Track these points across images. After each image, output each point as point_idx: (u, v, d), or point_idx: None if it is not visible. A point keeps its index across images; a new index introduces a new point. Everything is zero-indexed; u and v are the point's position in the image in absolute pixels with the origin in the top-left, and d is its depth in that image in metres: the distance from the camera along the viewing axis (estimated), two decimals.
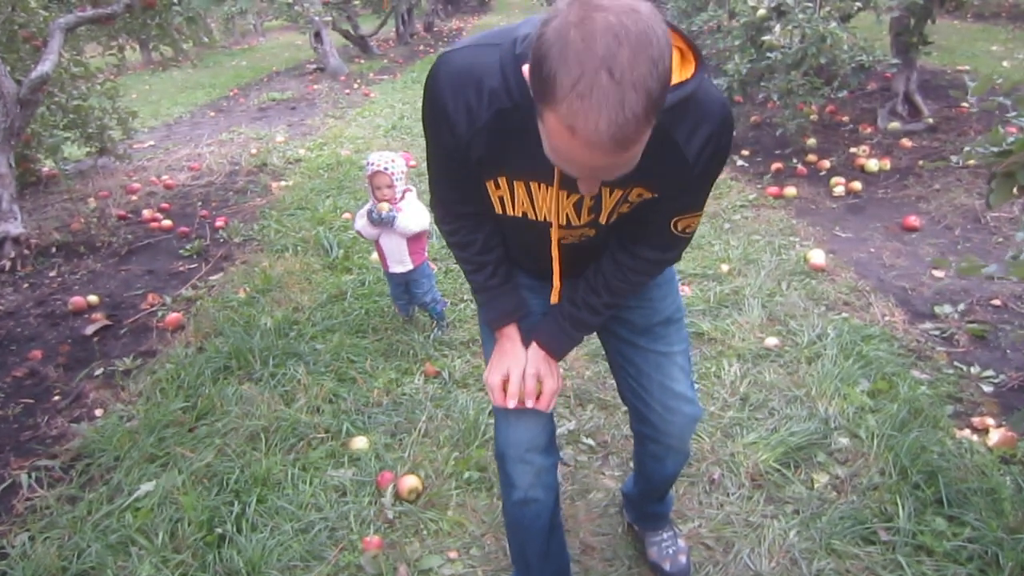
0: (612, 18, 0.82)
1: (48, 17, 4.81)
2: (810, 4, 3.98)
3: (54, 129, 5.69)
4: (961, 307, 3.05)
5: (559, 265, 1.36)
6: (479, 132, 1.17)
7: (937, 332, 2.90)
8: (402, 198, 2.90)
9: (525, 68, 1.01)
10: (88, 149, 6.12)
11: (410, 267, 2.99)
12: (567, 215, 1.26)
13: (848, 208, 4.30)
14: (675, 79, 1.03)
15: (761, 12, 4.05)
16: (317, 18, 10.25)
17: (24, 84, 4.21)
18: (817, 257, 3.53)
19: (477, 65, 1.14)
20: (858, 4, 4.12)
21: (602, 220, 1.27)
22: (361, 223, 2.97)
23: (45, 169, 6.14)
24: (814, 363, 2.68)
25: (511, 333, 1.46)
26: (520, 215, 1.29)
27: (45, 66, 4.21)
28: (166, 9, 4.74)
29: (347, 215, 4.59)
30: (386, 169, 2.81)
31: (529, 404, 1.41)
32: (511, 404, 1.42)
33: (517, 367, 1.43)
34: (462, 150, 1.21)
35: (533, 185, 1.23)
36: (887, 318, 3.01)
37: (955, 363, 2.67)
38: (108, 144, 6.10)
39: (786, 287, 3.33)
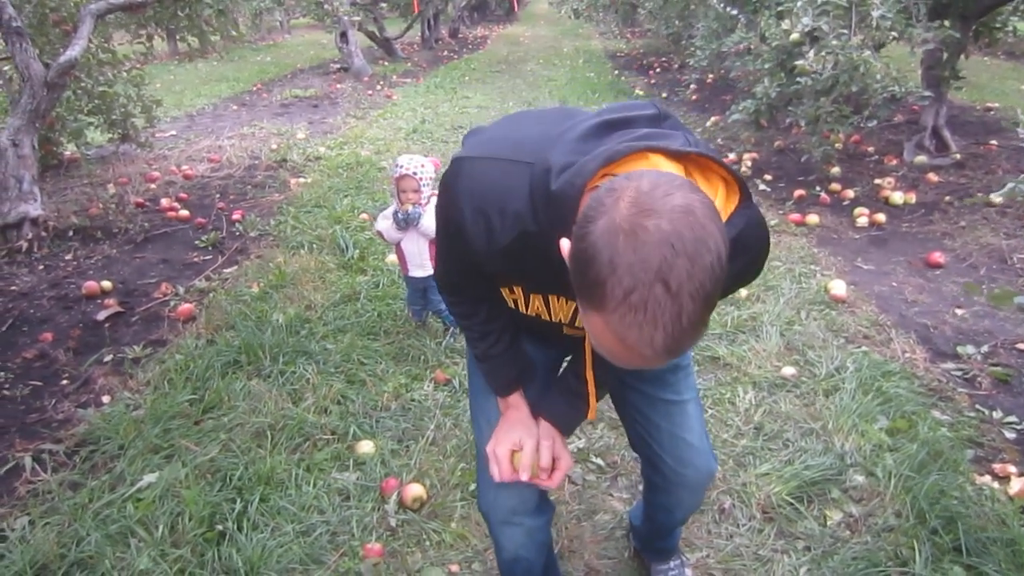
0: (666, 226, 0.75)
1: (79, 2, 4.82)
2: (844, 31, 3.94)
3: (78, 114, 5.72)
4: (984, 349, 2.99)
5: (592, 383, 1.27)
6: (497, 252, 1.08)
7: (959, 373, 2.84)
8: (427, 203, 2.87)
9: (564, 243, 0.90)
10: (111, 135, 6.14)
11: (430, 271, 2.96)
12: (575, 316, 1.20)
13: (871, 240, 4.25)
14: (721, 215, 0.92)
15: (794, 36, 4.02)
16: (345, 18, 10.29)
17: (52, 68, 4.22)
18: (838, 288, 3.48)
19: (503, 186, 1.04)
20: (893, 34, 4.07)
21: None
22: (384, 224, 2.94)
23: (67, 153, 6.16)
24: (831, 396, 2.63)
25: (517, 403, 1.35)
26: (534, 315, 1.24)
27: (74, 51, 4.22)
28: (196, 1, 4.74)
29: (364, 215, 4.58)
30: (414, 173, 2.79)
31: (541, 479, 1.29)
32: (524, 477, 1.29)
33: (531, 439, 1.30)
34: (477, 263, 1.14)
35: (551, 297, 1.19)
36: (908, 355, 2.96)
37: (977, 406, 2.62)
38: (131, 131, 6.11)
39: (805, 316, 3.28)
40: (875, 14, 3.81)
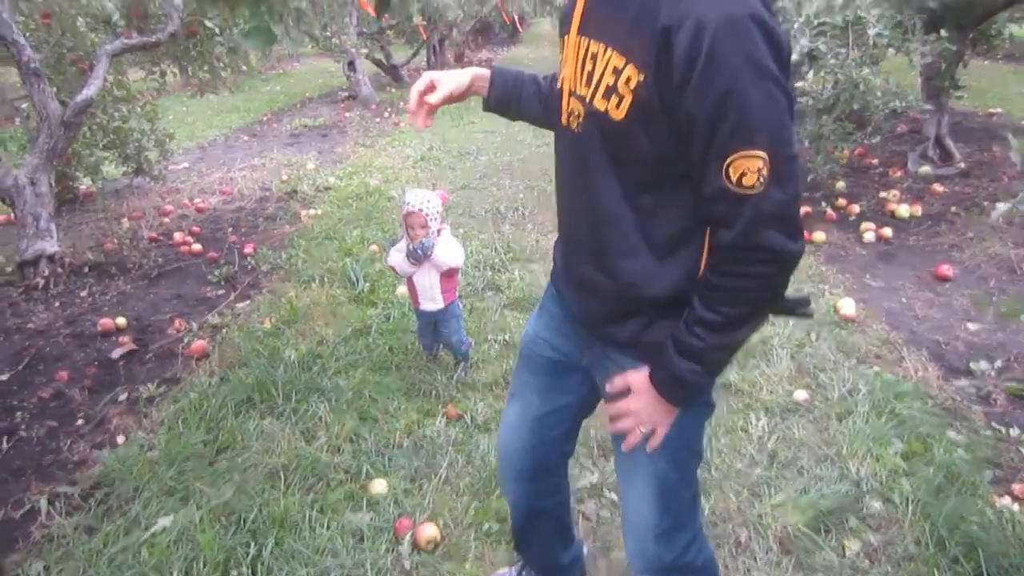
0: None
1: (95, 41, 4.92)
2: (842, 50, 3.96)
3: (94, 148, 5.81)
4: (998, 364, 2.98)
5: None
6: None
7: (973, 390, 2.83)
8: (437, 235, 2.89)
9: None
10: (125, 169, 6.23)
11: (441, 305, 2.97)
12: (576, 73, 1.22)
13: (878, 255, 4.24)
14: None
15: (794, 57, 4.04)
16: (352, 49, 10.41)
17: (69, 107, 4.30)
18: (847, 307, 3.48)
19: None
20: (891, 50, 4.09)
21: (589, 96, 1.16)
22: (397, 258, 2.95)
23: (83, 187, 6.25)
24: (845, 420, 2.62)
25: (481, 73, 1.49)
26: (559, 85, 1.29)
27: (90, 90, 4.30)
28: (208, 38, 4.83)
29: (374, 247, 4.62)
30: (421, 210, 2.81)
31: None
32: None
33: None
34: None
35: (565, 40, 1.27)
36: (920, 373, 2.95)
37: (993, 424, 2.60)
38: (144, 165, 6.21)
39: (815, 337, 3.28)
40: (871, 32, 3.84)
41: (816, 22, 4.00)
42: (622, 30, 1.10)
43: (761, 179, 1.03)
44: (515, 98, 1.52)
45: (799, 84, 4.03)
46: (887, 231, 4.43)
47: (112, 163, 6.10)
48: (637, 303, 1.25)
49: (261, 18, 1.88)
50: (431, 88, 1.43)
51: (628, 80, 1.09)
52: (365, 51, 11.33)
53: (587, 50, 1.18)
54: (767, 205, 1.05)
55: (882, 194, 5.02)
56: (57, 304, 4.11)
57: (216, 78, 5.57)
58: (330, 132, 9.21)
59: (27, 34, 4.82)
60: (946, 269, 3.86)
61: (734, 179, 1.04)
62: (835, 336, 3.28)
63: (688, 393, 1.24)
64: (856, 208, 4.85)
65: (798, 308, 1.30)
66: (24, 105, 5.23)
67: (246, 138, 9.17)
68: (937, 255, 4.13)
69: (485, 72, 1.48)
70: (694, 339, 1.16)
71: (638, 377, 1.26)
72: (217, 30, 4.72)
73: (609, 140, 1.16)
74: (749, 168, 1.03)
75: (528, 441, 1.57)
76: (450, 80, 1.43)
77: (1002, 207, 1.70)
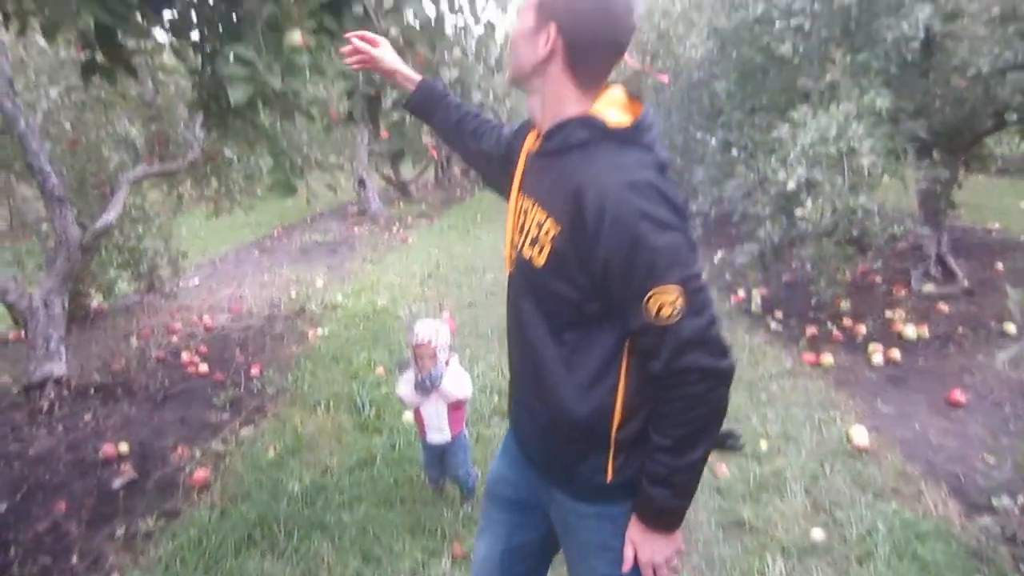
0: None
1: (117, 167, 5.11)
2: (838, 178, 4.08)
3: (109, 267, 5.93)
4: (1021, 499, 2.90)
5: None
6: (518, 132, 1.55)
7: (998, 529, 2.74)
8: (446, 366, 2.90)
9: None
10: (137, 286, 6.33)
11: (448, 437, 2.94)
12: (512, 227, 1.41)
13: (888, 379, 4.22)
14: (613, 120, 1.28)
15: (791, 186, 4.16)
16: (363, 172, 10.78)
17: (88, 231, 4.42)
18: (860, 436, 3.43)
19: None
20: (885, 177, 4.22)
21: (519, 244, 1.37)
22: (405, 389, 2.95)
23: (94, 304, 6.33)
24: (865, 563, 2.53)
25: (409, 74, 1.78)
26: (507, 234, 1.46)
27: (109, 216, 4.43)
28: (226, 165, 5.02)
29: (380, 370, 4.62)
30: (430, 341, 2.83)
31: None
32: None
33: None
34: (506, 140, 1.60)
35: (512, 193, 1.45)
36: (941, 510, 2.87)
37: (1021, 566, 2.51)
38: (156, 282, 6.32)
39: (829, 470, 3.21)
40: (865, 162, 3.95)
41: (811, 152, 4.14)
42: (545, 190, 1.32)
43: (677, 310, 1.20)
44: (435, 110, 1.76)
45: (798, 211, 4.12)
46: (896, 353, 4.42)
47: (125, 281, 6.21)
48: (567, 431, 1.38)
49: (282, 170, 1.96)
50: (373, 44, 1.75)
51: (548, 232, 1.29)
52: (375, 174, 11.73)
53: (522, 206, 1.39)
54: (686, 332, 1.22)
55: (888, 313, 5.05)
56: (60, 428, 4.08)
57: (232, 200, 5.75)
58: (339, 248, 9.40)
59: (54, 159, 5.03)
60: (958, 395, 3.82)
61: (654, 312, 1.21)
62: (849, 468, 3.22)
63: (674, 518, 1.35)
64: (862, 328, 4.86)
65: (727, 441, 1.42)
66: (44, 226, 5.38)
67: (257, 253, 9.36)
68: (948, 379, 4.11)
69: (413, 75, 1.76)
70: (658, 466, 1.30)
71: (630, 531, 1.38)
72: (235, 158, 4.90)
73: (534, 284, 1.35)
74: (665, 301, 1.20)
75: None
76: (386, 53, 1.76)
77: (1006, 354, 1.71)
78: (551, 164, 1.32)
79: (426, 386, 2.85)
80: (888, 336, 4.75)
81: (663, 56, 7.10)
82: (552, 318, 1.34)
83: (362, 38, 1.74)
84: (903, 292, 5.57)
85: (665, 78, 6.64)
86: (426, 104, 1.76)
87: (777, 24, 4.97)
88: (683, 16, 6.62)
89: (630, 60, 7.74)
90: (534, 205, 1.33)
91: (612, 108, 1.33)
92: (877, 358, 4.41)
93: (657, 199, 1.21)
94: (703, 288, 1.24)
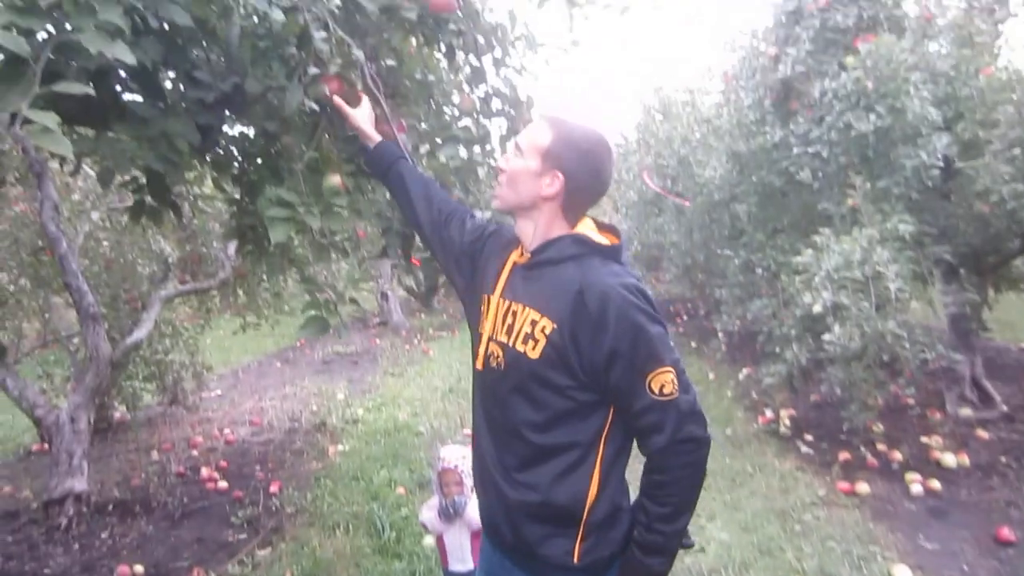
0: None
1: (151, 289, 5.25)
2: (864, 303, 4.08)
3: (135, 380, 5.99)
4: None
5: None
6: (490, 237, 1.75)
7: None
8: (471, 493, 2.84)
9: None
10: (160, 398, 6.37)
11: (471, 567, 2.84)
12: (496, 324, 1.58)
13: (929, 511, 4.05)
14: (597, 239, 1.55)
15: (817, 309, 4.16)
16: (387, 287, 10.98)
17: (118, 348, 4.50)
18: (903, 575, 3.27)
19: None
20: (913, 303, 4.21)
21: (511, 341, 1.52)
22: (429, 516, 2.89)
23: (117, 415, 6.35)
24: None
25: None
26: (480, 331, 1.63)
27: (140, 333, 4.53)
28: (255, 284, 5.14)
29: (401, 490, 4.54)
30: (456, 467, 2.79)
31: None
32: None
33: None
34: (469, 242, 1.77)
35: (487, 297, 1.64)
36: None
37: None
38: (180, 395, 6.35)
39: None
40: (892, 287, 3.96)
41: (836, 276, 4.16)
42: (539, 295, 1.51)
43: (675, 387, 1.43)
44: (390, 168, 1.89)
45: (826, 336, 4.10)
46: (935, 483, 4.25)
47: (149, 393, 6.25)
48: (539, 514, 1.52)
49: (316, 307, 2.01)
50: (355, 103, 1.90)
51: (543, 328, 1.47)
52: (397, 288, 11.95)
53: (508, 309, 1.56)
54: (684, 406, 1.45)
55: (924, 439, 4.91)
56: (76, 547, 4.00)
57: (260, 316, 5.85)
58: (361, 360, 9.44)
59: (91, 276, 5.19)
60: (1007, 532, 3.64)
61: (657, 391, 1.42)
62: None
63: None
64: (898, 455, 4.70)
65: (682, 540, 1.55)
66: (75, 339, 5.48)
67: (279, 364, 9.41)
68: (994, 514, 3.93)
69: (375, 136, 1.91)
70: (656, 536, 1.48)
71: None
72: (264, 276, 5.03)
73: (526, 375, 1.50)
74: (666, 380, 1.42)
75: None
76: (362, 111, 1.92)
77: None
78: (541, 273, 1.55)
79: (450, 513, 2.79)
80: (926, 464, 4.59)
81: (683, 179, 7.30)
82: (540, 407, 1.50)
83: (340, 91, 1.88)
84: (938, 416, 5.42)
85: (686, 202, 6.80)
86: (382, 161, 1.90)
87: (795, 150, 5.12)
88: (702, 142, 6.85)
89: (650, 183, 7.98)
90: (524, 308, 1.52)
91: (590, 231, 1.59)
92: (916, 488, 4.25)
93: (645, 298, 1.46)
94: (685, 370, 1.48)
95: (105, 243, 5.34)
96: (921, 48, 4.65)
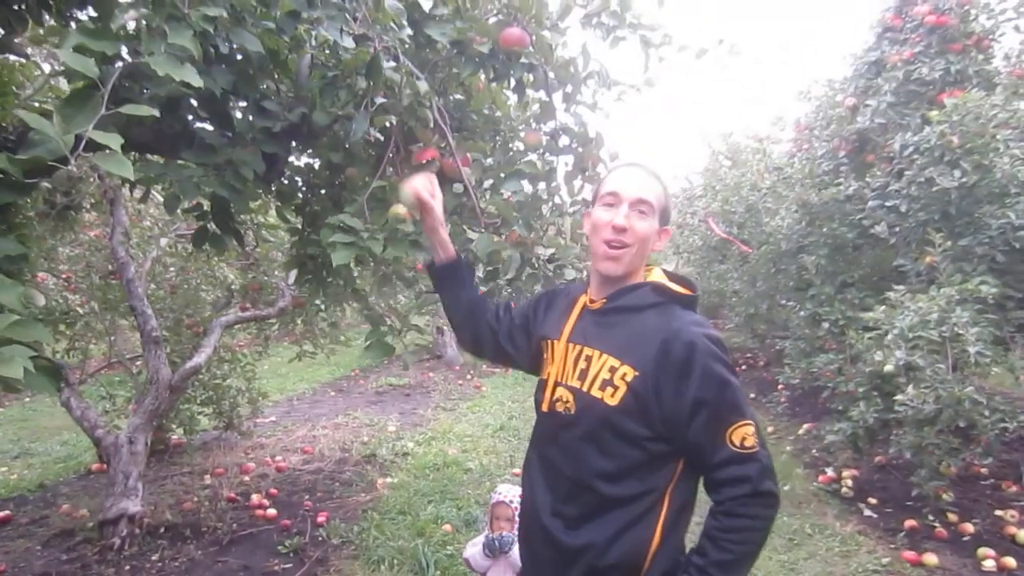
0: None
1: (213, 315, 5.37)
2: (941, 365, 3.88)
3: (193, 404, 6.10)
4: None
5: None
6: (553, 297, 1.78)
7: None
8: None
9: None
10: (216, 423, 6.47)
11: None
12: (565, 369, 1.57)
13: None
14: (675, 288, 1.56)
15: (888, 368, 3.98)
16: (442, 321, 11.05)
17: (178, 372, 4.59)
18: None
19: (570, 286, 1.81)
20: (994, 368, 3.99)
21: (585, 387, 1.51)
22: (473, 551, 2.84)
23: (174, 438, 6.47)
24: None
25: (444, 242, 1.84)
26: (545, 376, 1.64)
27: (200, 358, 4.61)
28: (314, 313, 5.21)
29: (447, 527, 4.48)
30: (511, 502, 2.75)
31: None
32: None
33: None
34: (535, 316, 1.78)
35: (551, 343, 1.65)
36: None
37: None
38: (235, 420, 6.43)
39: None
40: (972, 351, 3.76)
41: (910, 335, 3.98)
42: (618, 341, 1.51)
43: (756, 441, 1.43)
44: (452, 288, 1.87)
45: (898, 397, 3.91)
46: (1010, 560, 3.98)
47: (206, 417, 6.36)
48: (595, 564, 1.49)
49: (380, 331, 2.01)
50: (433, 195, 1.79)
51: (624, 375, 1.46)
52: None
53: (579, 354, 1.56)
54: (764, 460, 1.45)
55: (997, 512, 4.62)
56: (127, 568, 4.04)
57: (317, 347, 5.92)
58: (413, 393, 9.46)
59: (155, 301, 5.34)
60: None
61: (738, 444, 1.42)
62: None
63: None
64: (969, 527, 4.42)
65: None
66: (138, 362, 5.63)
67: (333, 393, 9.50)
68: None
69: (448, 245, 1.82)
70: None
71: None
72: (322, 306, 5.10)
73: (601, 422, 1.48)
74: (747, 434, 1.43)
75: None
76: (438, 208, 1.78)
77: None
78: (620, 320, 1.55)
79: (494, 547, 2.73)
80: (999, 539, 4.31)
81: (750, 227, 7.17)
82: (611, 457, 1.49)
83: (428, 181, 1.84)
84: (1013, 488, 5.11)
85: (748, 249, 6.66)
86: (449, 279, 1.88)
87: (870, 203, 4.98)
88: (772, 190, 6.73)
89: (717, 229, 7.86)
90: (600, 354, 1.52)
91: (663, 279, 1.60)
92: (988, 563, 3.98)
93: (726, 351, 1.48)
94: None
95: (172, 269, 5.49)
96: (1012, 105, 4.48)
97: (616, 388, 1.46)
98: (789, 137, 6.74)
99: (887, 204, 4.80)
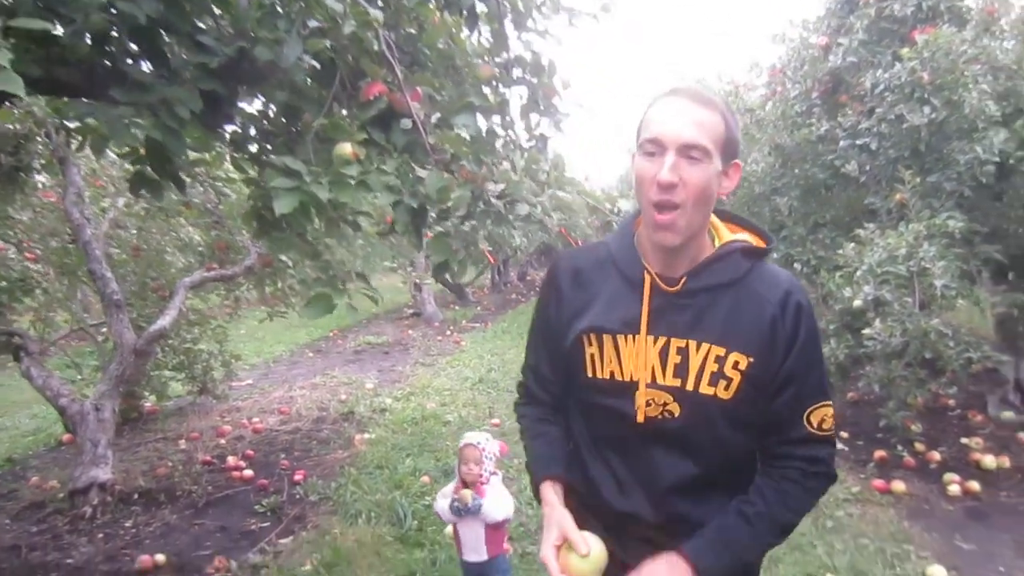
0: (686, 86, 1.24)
1: (177, 273, 5.26)
2: (908, 299, 3.91)
3: (164, 370, 6.02)
4: None
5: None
6: (580, 286, 1.40)
7: None
8: (486, 482, 2.77)
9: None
10: (190, 388, 6.40)
11: (485, 558, 2.78)
12: (652, 368, 1.30)
13: (967, 512, 3.89)
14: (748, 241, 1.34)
15: (858, 303, 4.00)
16: (418, 280, 10.99)
17: (142, 336, 4.50)
18: (939, 575, 3.13)
19: (592, 244, 1.46)
20: (959, 301, 4.03)
21: (689, 385, 1.29)
22: (442, 504, 2.83)
23: (147, 405, 6.40)
24: None
25: (553, 500, 1.40)
26: (608, 376, 1.34)
27: (164, 320, 4.53)
28: (282, 271, 5.13)
29: (426, 478, 4.49)
30: (478, 444, 2.74)
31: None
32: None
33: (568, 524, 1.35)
34: (562, 311, 1.42)
35: (620, 339, 1.32)
36: None
37: None
38: (209, 384, 6.37)
39: None
40: (938, 283, 3.79)
41: (879, 271, 3.99)
42: (715, 327, 1.28)
43: (832, 424, 1.33)
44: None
45: (866, 331, 3.95)
46: (974, 484, 4.09)
47: (179, 383, 6.29)
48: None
49: (324, 283, 1.95)
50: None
51: (736, 364, 1.27)
52: (430, 283, 11.93)
53: (667, 347, 1.30)
54: (835, 443, 1.36)
55: (963, 440, 4.72)
56: (100, 536, 4.01)
57: (287, 304, 5.85)
58: (392, 350, 9.44)
59: (118, 264, 5.21)
60: None
61: (815, 425, 1.30)
62: None
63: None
64: (936, 455, 4.54)
65: None
66: (104, 329, 5.52)
67: (311, 354, 9.45)
68: None
69: (560, 507, 1.40)
70: (745, 529, 1.31)
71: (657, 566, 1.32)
72: (290, 263, 5.01)
73: (715, 419, 1.30)
74: (826, 415, 1.31)
75: None
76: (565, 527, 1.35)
77: None
78: (712, 299, 1.29)
79: (460, 512, 2.72)
80: (965, 466, 4.42)
81: None
82: (725, 450, 1.34)
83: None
84: (979, 418, 5.24)
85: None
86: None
87: (842, 142, 4.96)
88: (744, 132, 6.68)
89: None
90: (699, 344, 1.28)
91: (744, 236, 1.37)
92: (954, 489, 4.09)
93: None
94: None
95: (134, 232, 5.35)
96: (982, 42, 4.44)
97: (729, 380, 1.27)
98: (764, 81, 6.65)
99: (858, 143, 4.78)
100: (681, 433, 1.32)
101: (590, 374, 1.36)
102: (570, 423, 1.51)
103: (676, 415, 1.30)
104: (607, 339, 1.33)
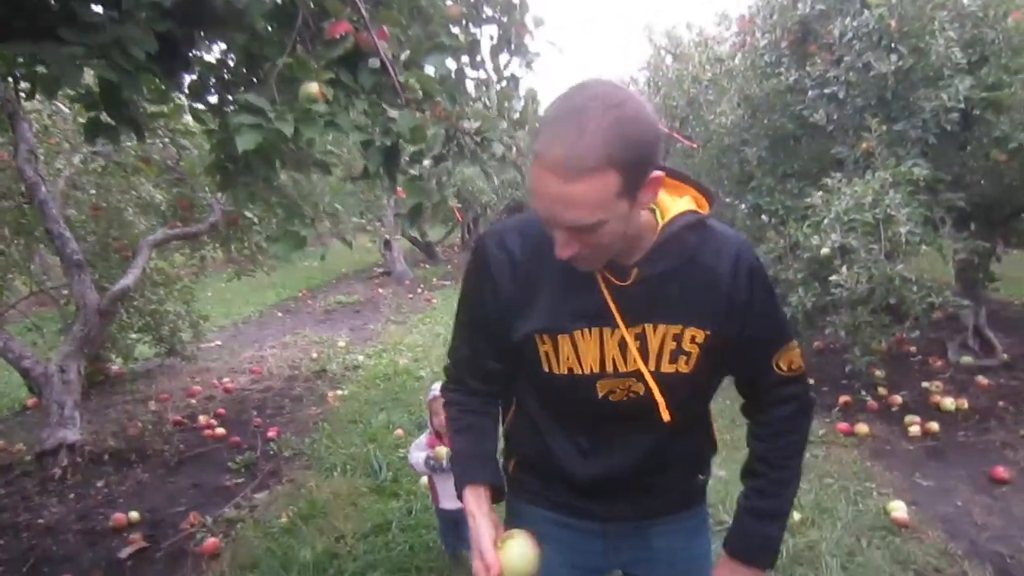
0: (597, 89, 1.02)
1: (140, 233, 5.15)
2: (874, 246, 3.97)
3: (129, 332, 5.93)
4: None
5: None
6: (519, 278, 1.27)
7: None
8: None
9: None
10: (158, 350, 6.32)
11: (460, 505, 2.82)
12: (613, 358, 1.27)
13: (927, 452, 4.02)
14: (692, 209, 1.24)
15: (825, 251, 4.05)
16: (389, 234, 10.89)
17: (105, 296, 4.42)
18: (899, 510, 3.24)
19: (523, 218, 1.31)
20: (923, 247, 4.10)
21: (651, 366, 1.27)
22: (417, 456, 2.85)
23: (115, 368, 6.32)
24: None
25: (473, 509, 1.34)
26: (566, 371, 1.29)
27: (127, 280, 4.44)
28: (248, 228, 5.05)
29: (400, 431, 4.52)
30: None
31: None
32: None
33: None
34: (501, 306, 1.29)
35: (577, 335, 1.26)
36: None
37: None
38: (177, 346, 6.30)
39: (867, 544, 3.03)
40: (902, 230, 3.85)
41: (846, 218, 4.04)
42: (669, 308, 1.26)
43: (801, 362, 1.37)
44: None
45: (832, 278, 4.01)
46: (934, 425, 4.22)
47: (146, 344, 6.21)
48: (683, 487, 1.48)
49: (292, 221, 1.91)
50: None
51: (693, 338, 1.26)
52: (399, 237, 11.82)
53: (634, 334, 1.26)
54: (807, 377, 1.41)
55: (924, 384, 4.86)
56: (71, 496, 3.98)
57: (254, 263, 5.78)
58: (363, 309, 9.40)
59: (78, 225, 5.07)
60: (1002, 471, 3.61)
61: (785, 368, 1.34)
62: (888, 544, 3.03)
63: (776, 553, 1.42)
64: (898, 399, 4.67)
65: None
66: (65, 292, 5.40)
67: (280, 315, 9.38)
68: (990, 454, 3.90)
69: (484, 517, 1.34)
70: (775, 500, 1.40)
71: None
72: (256, 220, 4.93)
73: (676, 389, 1.29)
74: (793, 357, 1.35)
75: None
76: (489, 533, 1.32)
77: None
78: (664, 282, 1.23)
79: (435, 468, 2.75)
80: (925, 408, 4.55)
81: (692, 122, 7.11)
82: (688, 410, 1.36)
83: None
84: (939, 363, 5.39)
85: (695, 145, 6.63)
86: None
87: (810, 92, 4.97)
88: (713, 83, 6.65)
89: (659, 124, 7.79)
90: (655, 326, 1.24)
91: (674, 199, 1.26)
92: (914, 430, 4.22)
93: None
94: None
95: (92, 192, 5.20)
96: None
97: (689, 354, 1.27)
98: (734, 31, 6.60)
99: (826, 92, 4.78)
100: (647, 406, 1.29)
101: (546, 370, 1.30)
102: (523, 399, 1.43)
103: (641, 393, 1.29)
104: (563, 338, 1.27)
